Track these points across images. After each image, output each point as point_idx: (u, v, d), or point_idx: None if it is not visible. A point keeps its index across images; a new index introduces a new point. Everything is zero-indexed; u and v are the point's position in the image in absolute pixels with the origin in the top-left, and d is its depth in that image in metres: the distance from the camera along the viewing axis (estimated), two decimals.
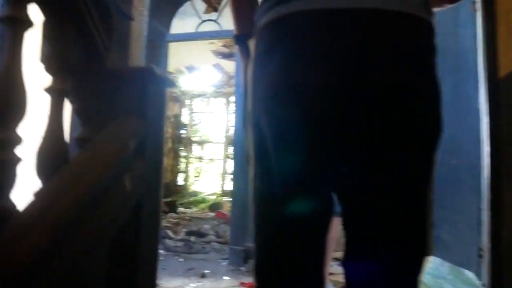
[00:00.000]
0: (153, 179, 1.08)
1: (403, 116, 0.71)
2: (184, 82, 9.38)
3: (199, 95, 9.64)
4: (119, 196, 0.89)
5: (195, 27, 4.53)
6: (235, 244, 3.71)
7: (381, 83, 0.70)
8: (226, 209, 7.67)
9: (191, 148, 9.83)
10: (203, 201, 8.75)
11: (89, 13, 0.94)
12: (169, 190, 7.36)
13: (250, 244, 3.59)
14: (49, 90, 0.90)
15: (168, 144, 9.36)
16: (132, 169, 0.95)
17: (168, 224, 4.99)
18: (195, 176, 9.91)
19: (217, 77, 9.12)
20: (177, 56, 6.10)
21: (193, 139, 9.84)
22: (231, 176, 8.80)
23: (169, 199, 7.00)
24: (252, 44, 0.86)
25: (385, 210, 0.74)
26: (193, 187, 9.89)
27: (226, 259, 3.73)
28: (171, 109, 9.30)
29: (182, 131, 9.63)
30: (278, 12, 0.76)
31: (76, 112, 1.01)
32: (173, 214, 6.60)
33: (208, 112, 9.83)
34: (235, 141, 4.11)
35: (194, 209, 7.88)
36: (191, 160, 9.82)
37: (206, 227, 5.11)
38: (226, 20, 4.52)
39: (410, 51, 0.71)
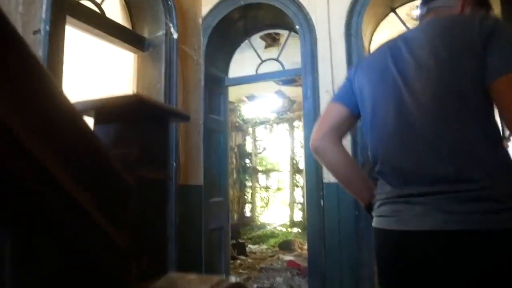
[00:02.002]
0: None
1: None
2: (246, 110, 9.10)
3: (261, 123, 9.30)
4: None
5: (256, 65, 4.14)
6: None
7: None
8: (297, 246, 7.17)
9: (257, 178, 9.47)
10: (272, 235, 8.31)
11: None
12: (237, 232, 7.00)
13: None
14: None
15: (233, 175, 9.09)
16: None
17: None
18: (262, 207, 9.52)
19: (278, 103, 8.73)
20: (238, 88, 5.79)
21: (258, 168, 9.48)
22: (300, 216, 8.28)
23: (237, 241, 6.64)
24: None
25: None
26: (261, 218, 9.51)
27: None
28: (233, 139, 9.05)
29: (247, 161, 9.32)
30: (379, 224, 1.00)
31: None
32: (242, 257, 6.23)
33: (272, 139, 9.44)
34: (307, 181, 3.54)
35: (264, 247, 7.44)
36: (257, 190, 9.45)
37: (278, 280, 4.64)
38: (287, 57, 4.10)
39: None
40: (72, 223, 0.52)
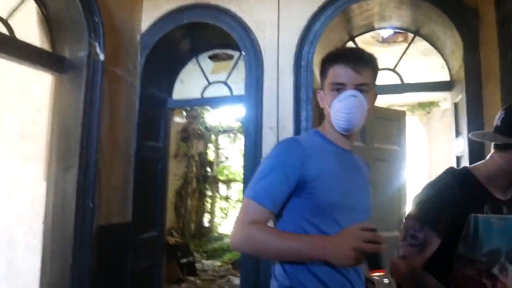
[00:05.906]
0: None
1: None
2: (209, 118, 8.73)
3: (225, 131, 8.95)
4: None
5: (203, 87, 3.78)
6: None
7: None
8: None
9: (217, 187, 9.12)
10: (228, 248, 8.00)
11: None
12: (187, 249, 6.64)
13: None
14: None
15: (193, 184, 8.72)
16: None
17: None
18: (222, 217, 9.20)
19: (243, 112, 8.39)
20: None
21: (220, 177, 9.14)
22: None
23: (188, 260, 6.29)
24: None
25: None
26: (219, 229, 9.18)
27: None
28: (195, 147, 8.67)
29: (208, 170, 8.96)
30: None
31: None
32: (191, 278, 5.90)
33: (235, 148, 9.11)
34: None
35: (217, 263, 7.13)
36: (217, 200, 9.12)
37: None
38: (241, 72, 3.76)
39: None
40: None
